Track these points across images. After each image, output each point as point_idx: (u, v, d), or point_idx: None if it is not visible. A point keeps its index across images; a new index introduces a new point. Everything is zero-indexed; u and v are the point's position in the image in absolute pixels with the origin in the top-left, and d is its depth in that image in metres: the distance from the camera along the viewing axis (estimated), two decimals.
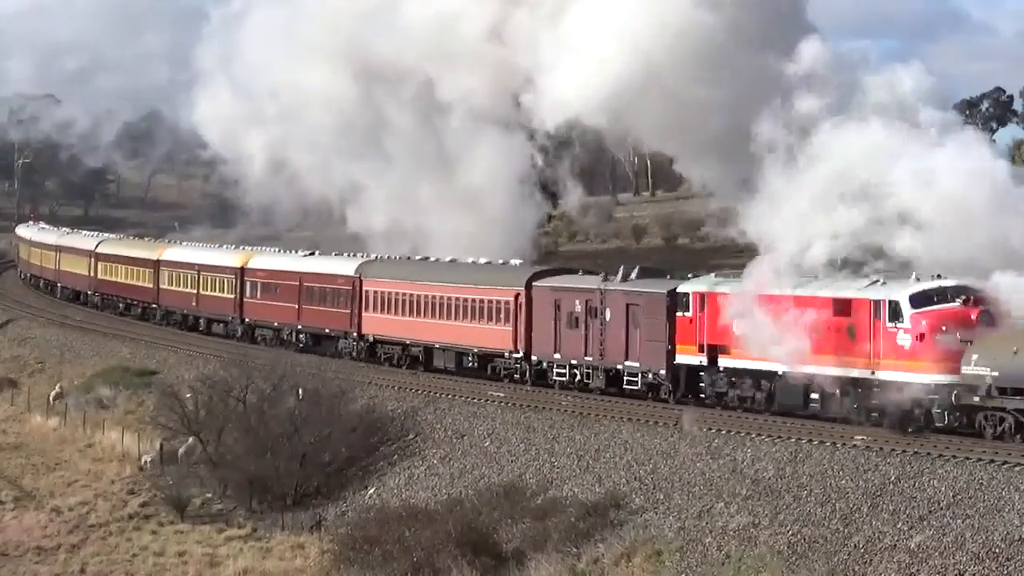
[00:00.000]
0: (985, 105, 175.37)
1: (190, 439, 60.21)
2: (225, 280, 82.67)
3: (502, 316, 61.32)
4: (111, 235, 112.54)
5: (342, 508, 53.48)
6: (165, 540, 52.85)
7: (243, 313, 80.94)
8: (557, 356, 59.26)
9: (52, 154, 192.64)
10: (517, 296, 60.56)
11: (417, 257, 75.52)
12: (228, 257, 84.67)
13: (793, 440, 46.66)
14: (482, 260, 67.93)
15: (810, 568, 39.32)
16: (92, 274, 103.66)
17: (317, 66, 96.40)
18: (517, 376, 61.24)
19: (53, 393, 75.08)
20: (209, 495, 57.25)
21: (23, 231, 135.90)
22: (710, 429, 49.56)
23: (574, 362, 58.64)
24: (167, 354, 78.41)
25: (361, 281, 70.60)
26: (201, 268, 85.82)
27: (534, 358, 60.54)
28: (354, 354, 70.57)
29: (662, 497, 45.57)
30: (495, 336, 62.19)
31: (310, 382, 59.62)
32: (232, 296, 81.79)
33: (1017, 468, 40.75)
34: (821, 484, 43.05)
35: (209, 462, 58.27)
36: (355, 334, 70.74)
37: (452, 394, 60.15)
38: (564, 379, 59.16)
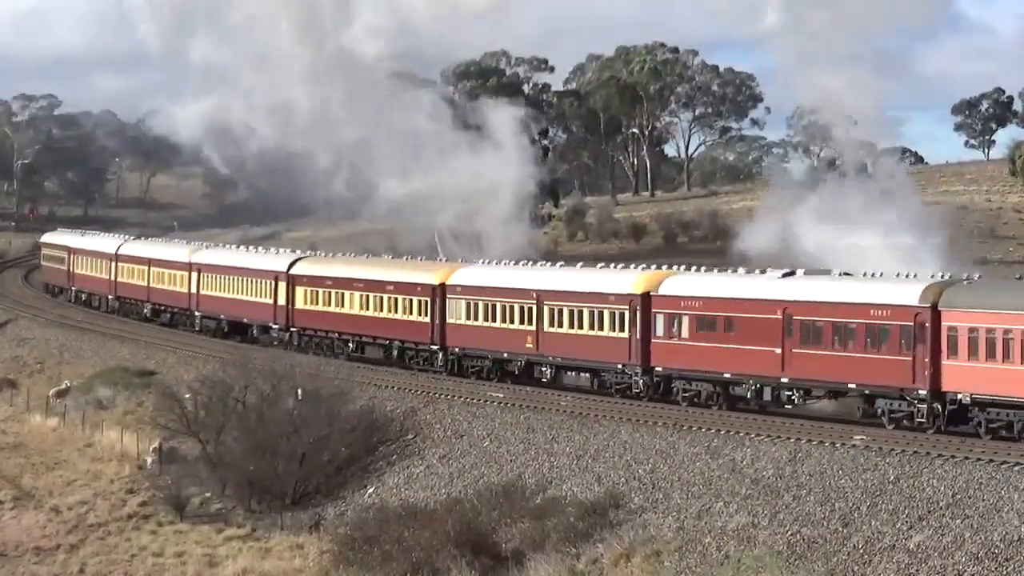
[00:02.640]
0: (985, 105, 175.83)
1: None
2: (607, 313, 58.99)
3: None
4: (302, 252, 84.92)
5: (341, 508, 53.46)
6: (164, 540, 52.84)
7: (648, 359, 57.51)
8: None
9: (52, 154, 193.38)
10: None
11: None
12: (607, 280, 60.61)
13: (793, 440, 46.66)
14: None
15: (809, 568, 39.31)
16: (283, 303, 77.87)
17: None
18: None
19: (56, 390, 75.14)
20: (208, 495, 57.25)
21: (95, 242, 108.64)
22: (709, 429, 49.58)
23: None
24: (166, 354, 78.36)
25: (938, 313, 48.62)
26: (544, 295, 61.58)
27: None
28: (922, 418, 48.95)
29: (661, 497, 45.57)
30: None
31: (309, 382, 59.54)
32: (624, 335, 58.06)
33: (1016, 468, 40.78)
34: (821, 484, 43.04)
35: (208, 462, 58.25)
36: (921, 391, 48.81)
37: (451, 394, 60.08)
38: None
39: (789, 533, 41.14)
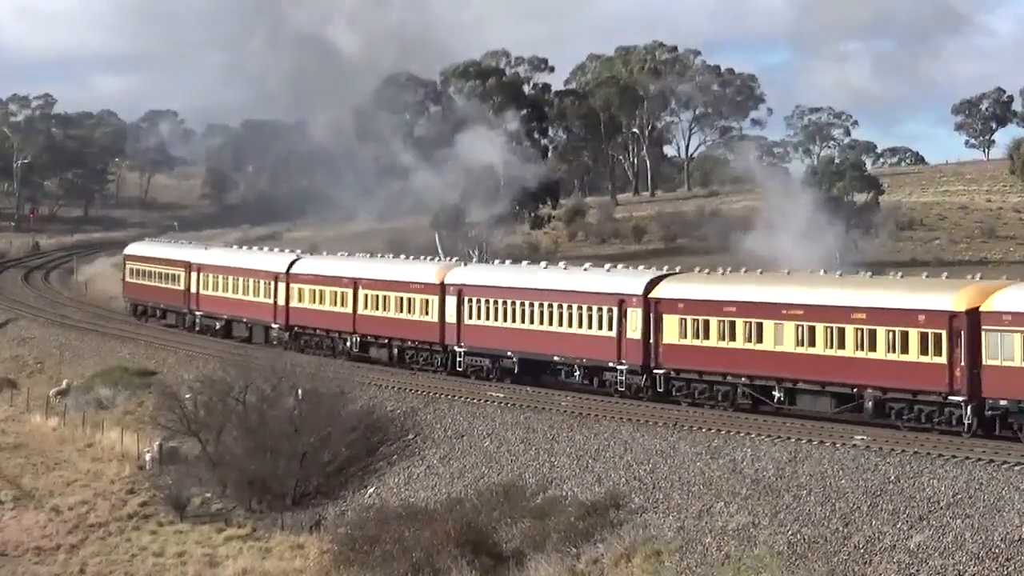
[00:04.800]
0: (985, 105, 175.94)
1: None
2: None
3: None
4: (664, 269, 63.82)
5: (342, 508, 53.47)
6: (164, 540, 52.84)
7: None
8: None
9: (52, 154, 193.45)
10: None
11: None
12: None
13: (793, 440, 46.68)
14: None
15: (810, 568, 39.32)
16: (636, 336, 59.46)
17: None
18: None
19: (56, 390, 75.12)
20: (208, 495, 57.25)
21: (242, 257, 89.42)
22: (710, 429, 49.61)
23: None
24: (167, 354, 78.35)
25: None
26: None
27: None
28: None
29: (661, 497, 45.58)
30: None
31: (309, 382, 59.53)
32: None
33: (1017, 468, 40.81)
34: (821, 484, 43.06)
35: (208, 462, 58.25)
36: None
37: (451, 394, 60.07)
38: None
39: (789, 533, 41.15)
